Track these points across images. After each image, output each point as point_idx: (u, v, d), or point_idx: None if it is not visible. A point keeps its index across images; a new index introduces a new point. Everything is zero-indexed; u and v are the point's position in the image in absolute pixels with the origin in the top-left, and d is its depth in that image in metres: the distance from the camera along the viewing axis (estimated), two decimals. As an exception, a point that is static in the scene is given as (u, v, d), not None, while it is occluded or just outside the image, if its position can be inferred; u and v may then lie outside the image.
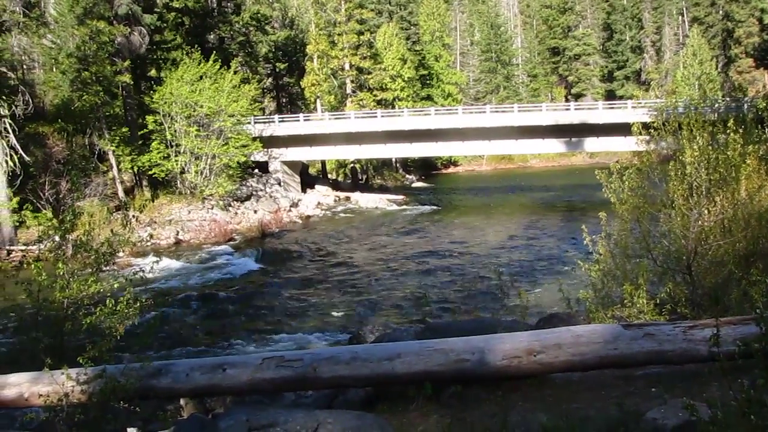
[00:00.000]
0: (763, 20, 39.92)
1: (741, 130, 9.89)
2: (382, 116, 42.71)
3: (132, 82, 34.48)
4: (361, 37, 50.24)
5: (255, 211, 35.81)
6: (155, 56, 37.48)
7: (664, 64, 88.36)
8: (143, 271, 10.22)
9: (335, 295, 19.70)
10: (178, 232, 30.32)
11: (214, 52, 38.54)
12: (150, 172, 34.16)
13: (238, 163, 35.73)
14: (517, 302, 9.36)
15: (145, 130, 34.18)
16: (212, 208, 33.45)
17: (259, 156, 40.39)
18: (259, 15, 46.02)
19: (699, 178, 9.50)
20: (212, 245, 28.76)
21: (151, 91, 34.82)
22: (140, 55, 34.67)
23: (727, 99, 42.06)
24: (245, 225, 33.34)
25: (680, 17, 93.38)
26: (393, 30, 60.42)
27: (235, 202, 35.93)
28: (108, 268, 8.55)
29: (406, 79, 58.72)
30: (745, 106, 34.56)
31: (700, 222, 9.36)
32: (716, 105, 35.72)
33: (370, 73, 51.03)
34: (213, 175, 34.43)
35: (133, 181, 36.09)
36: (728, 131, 9.83)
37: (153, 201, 33.43)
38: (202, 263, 25.35)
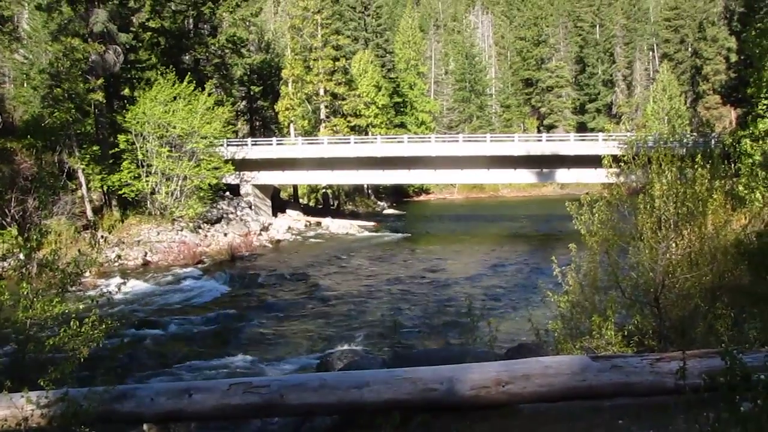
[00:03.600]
0: (729, 59, 41.04)
1: (708, 166, 10.05)
2: (356, 142, 42.79)
3: (105, 101, 34.24)
4: (337, 63, 50.48)
5: (225, 234, 35.57)
6: (129, 75, 37.31)
7: (634, 98, 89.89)
8: (110, 292, 10.09)
9: (304, 320, 19.57)
10: (146, 253, 29.99)
11: (189, 73, 38.44)
12: (120, 192, 33.85)
13: (209, 185, 35.51)
14: (486, 331, 9.34)
15: (117, 149, 33.90)
16: (182, 230, 33.17)
17: (231, 179, 40.20)
18: (235, 38, 46.02)
19: (667, 211, 9.63)
20: (181, 267, 28.46)
21: (124, 110, 34.59)
22: (114, 73, 34.46)
23: (696, 134, 42.80)
24: (215, 248, 33.07)
25: (651, 53, 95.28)
26: (368, 57, 60.76)
27: (205, 225, 35.67)
28: (74, 288, 8.40)
29: (380, 106, 58.96)
30: (713, 141, 35.23)
31: (667, 255, 9.46)
32: (685, 140, 36.43)
33: (344, 99, 51.23)
34: (184, 197, 34.19)
35: (103, 201, 35.70)
36: (696, 166, 9.98)
37: (122, 221, 33.07)
38: (170, 285, 25.07)
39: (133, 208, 34.45)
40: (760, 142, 25.37)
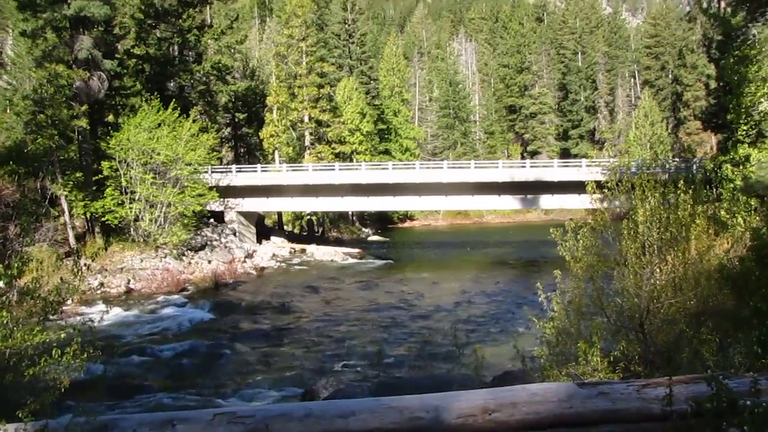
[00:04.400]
0: (709, 85, 41.65)
1: (690, 191, 10.12)
2: (340, 169, 42.85)
3: (89, 127, 34.09)
4: (321, 90, 50.67)
5: (209, 261, 35.37)
6: (114, 102, 37.26)
7: (617, 124, 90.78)
8: (92, 320, 9.95)
9: (289, 348, 19.42)
10: (129, 280, 29.74)
11: (174, 99, 38.45)
12: (103, 219, 33.60)
13: (193, 212, 35.35)
14: (472, 358, 9.30)
15: (100, 176, 33.75)
16: (165, 257, 32.96)
17: (215, 205, 40.07)
18: (220, 65, 46.13)
19: (651, 237, 9.67)
20: (164, 295, 28.23)
21: (108, 137, 34.41)
22: (98, 100, 34.37)
23: (678, 159, 43.21)
24: (198, 275, 32.84)
25: (632, 80, 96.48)
26: (353, 84, 61.07)
27: (189, 252, 35.46)
28: (55, 317, 8.29)
29: (364, 132, 59.17)
30: (694, 166, 35.58)
31: (652, 280, 9.49)
32: (667, 165, 36.78)
33: (329, 125, 51.37)
34: (167, 224, 33.99)
35: (85, 227, 35.43)
36: (678, 192, 10.05)
37: (105, 248, 32.79)
38: (153, 313, 24.84)
39: (117, 235, 34.20)
40: (741, 167, 25.68)
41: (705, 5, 36.59)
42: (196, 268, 33.94)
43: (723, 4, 34.38)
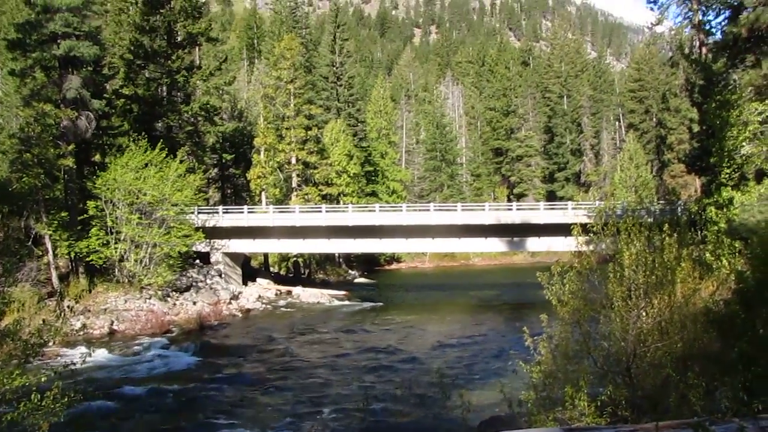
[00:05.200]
0: (692, 129, 42.29)
1: (675, 234, 10.17)
2: (327, 211, 42.82)
3: (75, 166, 34.04)
4: (309, 132, 50.88)
5: (194, 303, 35.10)
6: (101, 141, 37.30)
7: (602, 166, 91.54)
8: (73, 363, 9.79)
9: (274, 393, 19.21)
10: (113, 321, 29.44)
11: (162, 140, 38.51)
12: (88, 259, 33.36)
13: (179, 253, 35.15)
14: (459, 403, 9.21)
15: (85, 216, 33.59)
16: (150, 298, 32.69)
17: (201, 246, 39.89)
18: (208, 106, 46.30)
19: (637, 280, 9.69)
20: (148, 337, 27.95)
21: (95, 176, 34.36)
22: (86, 139, 34.39)
23: (662, 202, 43.50)
24: (183, 317, 32.55)
25: (617, 123, 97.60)
26: (340, 126, 61.37)
27: (174, 293, 35.19)
28: (36, 359, 8.17)
29: (351, 174, 59.30)
30: (679, 209, 35.83)
31: (638, 324, 9.49)
32: (652, 208, 37.01)
33: (316, 167, 51.48)
34: (153, 265, 33.76)
35: (69, 268, 35.15)
36: (664, 235, 10.10)
37: (89, 289, 32.51)
38: (136, 356, 24.56)
39: (101, 275, 33.94)
40: (725, 209, 25.87)
41: (687, 51, 37.21)
42: (181, 310, 33.67)
43: (704, 51, 35.00)
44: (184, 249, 35.66)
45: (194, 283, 37.93)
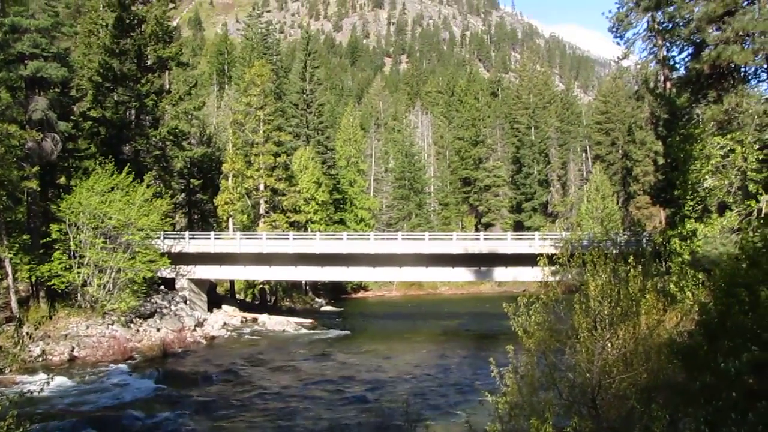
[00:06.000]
0: (657, 161, 43.06)
1: (640, 266, 10.27)
2: (294, 238, 42.70)
3: (39, 189, 33.55)
4: (278, 158, 50.79)
5: (158, 329, 34.57)
6: (67, 164, 36.84)
7: (569, 197, 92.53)
8: (30, 391, 9.53)
9: (236, 423, 18.92)
10: (73, 348, 28.84)
11: (129, 163, 38.21)
12: (49, 283, 32.74)
13: (144, 278, 34.67)
14: (425, 434, 9.15)
15: (48, 239, 32.99)
16: (113, 324, 32.12)
17: (167, 272, 39.43)
18: (177, 130, 46.07)
19: (602, 311, 9.75)
20: (110, 363, 27.42)
21: (59, 199, 33.85)
22: (51, 161, 33.91)
23: (628, 233, 44.03)
24: (147, 343, 32.02)
25: (584, 154, 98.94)
26: (309, 153, 61.42)
27: (137, 319, 34.65)
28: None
29: (320, 202, 59.29)
30: (644, 240, 36.29)
31: (603, 354, 9.53)
32: (618, 239, 37.45)
33: (284, 194, 51.34)
34: (116, 290, 33.25)
35: (30, 292, 34.47)
36: (629, 266, 10.19)
37: (50, 314, 31.85)
38: (97, 383, 24.06)
39: (63, 300, 33.30)
40: (688, 241, 26.24)
41: (652, 85, 37.94)
42: (145, 336, 33.13)
43: (669, 85, 35.73)
44: (149, 274, 35.20)
45: (158, 309, 37.41)
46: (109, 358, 28.35)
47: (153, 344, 31.76)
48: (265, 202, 51.34)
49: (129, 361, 28.31)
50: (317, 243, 42.02)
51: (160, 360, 29.41)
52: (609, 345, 9.74)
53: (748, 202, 24.83)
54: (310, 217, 56.90)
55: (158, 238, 38.32)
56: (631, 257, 10.73)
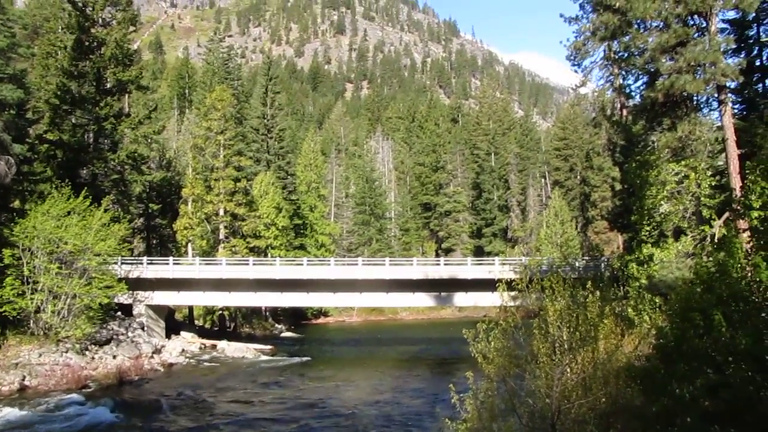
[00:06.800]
0: (614, 187, 43.93)
1: (599, 290, 10.36)
2: (254, 264, 42.39)
3: (-9, 213, 32.87)
4: (238, 183, 50.50)
5: (114, 357, 33.88)
6: (21, 187, 36.15)
7: (528, 222, 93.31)
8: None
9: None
10: (24, 377, 28.03)
11: (86, 187, 37.67)
12: (0, 310, 31.91)
13: (100, 304, 33.97)
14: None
15: (0, 264, 32.21)
16: (67, 352, 31.36)
17: (124, 298, 38.75)
18: (136, 154, 45.60)
19: (561, 336, 9.80)
20: (63, 393, 26.70)
21: (12, 224, 33.10)
22: (5, 184, 33.21)
23: (587, 258, 44.55)
24: (102, 371, 31.29)
25: (543, 180, 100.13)
26: (270, 178, 61.21)
27: (92, 346, 33.91)
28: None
29: (280, 227, 59.01)
30: (603, 265, 36.76)
31: (563, 380, 9.57)
32: (577, 264, 37.88)
33: (244, 219, 50.98)
34: (71, 316, 32.52)
35: (-21, 319, 33.55)
36: (587, 291, 10.28)
37: (0, 342, 30.98)
38: (49, 413, 23.39)
39: (14, 327, 32.40)
40: (645, 266, 26.64)
41: (609, 113, 38.72)
42: (100, 364, 32.40)
43: (625, 113, 36.48)
44: (106, 300, 34.48)
45: (115, 336, 36.70)
46: (62, 387, 27.63)
47: (109, 372, 31.05)
48: (225, 227, 50.93)
49: (83, 390, 27.62)
50: (277, 269, 41.76)
51: (116, 388, 28.78)
52: (568, 370, 9.79)
53: (702, 227, 25.35)
54: (270, 243, 56.56)
55: (115, 263, 37.66)
56: (590, 282, 10.83)
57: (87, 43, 44.36)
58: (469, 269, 40.96)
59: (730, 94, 27.88)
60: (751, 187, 12.53)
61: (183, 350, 40.40)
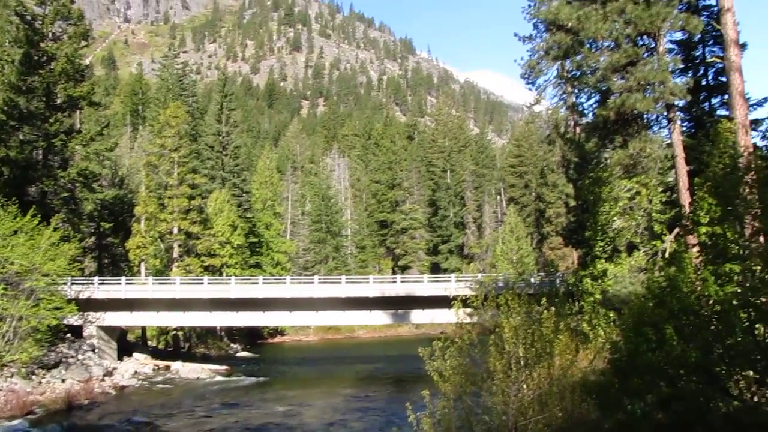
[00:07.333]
0: (568, 203, 44.49)
1: (554, 307, 10.37)
2: (209, 283, 41.88)
3: (-67, 234, 31.84)
4: (192, 201, 49.92)
5: (63, 381, 32.93)
6: (-36, 206, 35.15)
7: (484, 239, 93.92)
8: None
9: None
10: (-36, 404, 27.05)
11: (34, 206, 36.82)
12: (-59, 334, 30.89)
13: (48, 326, 33.05)
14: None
15: (-60, 287, 31.23)
16: (12, 377, 30.35)
17: (74, 319, 37.79)
18: (87, 172, 44.72)
19: (517, 353, 9.76)
20: (6, 420, 25.81)
21: (-45, 244, 32.17)
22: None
23: (542, 274, 44.94)
24: (49, 396, 30.32)
25: (498, 197, 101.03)
26: (225, 196, 60.65)
27: (39, 370, 32.88)
28: None
29: (235, 245, 58.42)
30: (558, 280, 37.09)
31: (519, 396, 9.52)
32: (532, 280, 38.17)
33: (198, 238, 50.36)
34: (17, 339, 31.54)
35: None
36: (542, 307, 10.28)
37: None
38: (-8, 440, 22.63)
39: (-44, 352, 31.39)
40: (599, 281, 26.92)
41: (562, 130, 39.23)
42: (47, 388, 31.43)
43: (578, 130, 37.00)
44: (55, 322, 33.53)
45: (64, 359, 35.71)
46: (6, 414, 26.67)
47: (57, 397, 30.12)
48: (179, 245, 50.23)
49: (29, 416, 26.72)
50: (232, 288, 41.29)
51: (64, 413, 27.93)
52: (524, 386, 9.76)
53: (654, 243, 25.73)
54: (225, 261, 55.95)
55: (65, 283, 36.75)
56: (545, 298, 10.84)
57: (36, 58, 43.55)
58: (426, 286, 40.98)
59: (678, 113, 28.45)
60: (699, 204, 12.73)
61: (136, 372, 39.57)
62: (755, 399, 9.93)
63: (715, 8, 25.56)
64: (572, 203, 41.83)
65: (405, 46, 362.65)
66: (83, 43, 47.35)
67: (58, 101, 45.07)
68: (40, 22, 44.18)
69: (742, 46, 25.34)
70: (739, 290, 10.25)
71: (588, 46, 29.06)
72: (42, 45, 44.08)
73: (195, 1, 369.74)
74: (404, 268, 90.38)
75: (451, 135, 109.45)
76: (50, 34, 45.16)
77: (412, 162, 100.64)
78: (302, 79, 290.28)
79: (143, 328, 50.87)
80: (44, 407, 28.56)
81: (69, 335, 38.80)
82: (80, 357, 37.08)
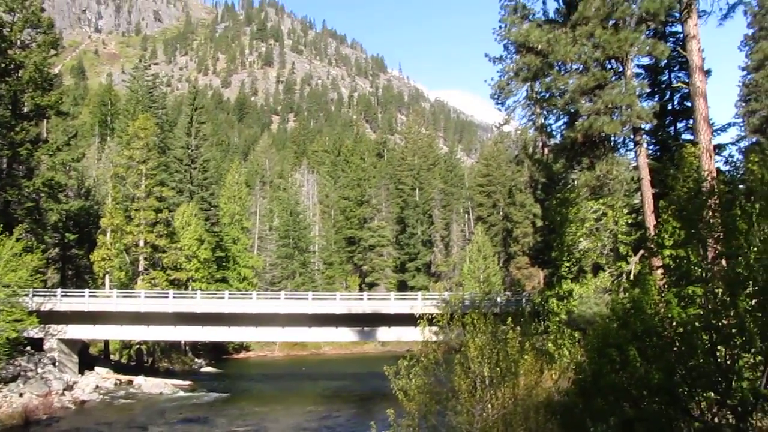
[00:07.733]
0: (536, 223, 45.01)
1: (519, 326, 10.42)
2: (174, 297, 41.43)
3: None
4: (159, 214, 49.47)
5: (21, 395, 32.29)
6: (-76, 216, 34.48)
7: (452, 257, 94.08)
8: None
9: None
10: None
11: (-4, 216, 36.21)
12: None
13: (7, 339, 32.39)
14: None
15: None
16: (-33, 390, 29.75)
17: (35, 332, 37.05)
18: (52, 182, 44.11)
19: (482, 372, 9.79)
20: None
21: None
22: None
23: (508, 293, 45.17)
24: (6, 411, 29.70)
25: (466, 215, 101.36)
26: (192, 210, 60.12)
27: (-3, 384, 32.27)
28: None
29: (202, 260, 57.89)
30: (524, 300, 37.31)
31: (484, 415, 9.54)
32: (498, 299, 38.34)
33: (165, 251, 49.88)
34: (-25, 352, 30.93)
35: None
36: (508, 327, 10.34)
37: None
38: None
39: None
40: (565, 301, 27.14)
41: (531, 151, 39.60)
42: (4, 403, 30.80)
43: (546, 151, 37.37)
44: (14, 335, 32.89)
45: (22, 373, 35.03)
46: (-41, 429, 26.17)
47: (14, 412, 29.52)
48: (145, 258, 49.71)
49: (-15, 431, 26.24)
50: (198, 302, 40.91)
51: (20, 429, 27.44)
52: (489, 406, 9.79)
53: (619, 264, 26.02)
54: (191, 275, 55.43)
55: (26, 295, 36.13)
56: (511, 317, 10.90)
57: (4, 65, 43.01)
58: (392, 304, 40.97)
59: (645, 136, 28.85)
60: (663, 226, 12.92)
61: (97, 386, 38.93)
62: (716, 420, 10.07)
63: (681, 35, 26.01)
64: (539, 223, 42.16)
65: (376, 63, 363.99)
66: (52, 51, 46.92)
67: (25, 110, 44.51)
68: (9, 30, 43.67)
69: (707, 73, 25.82)
70: (701, 312, 10.40)
71: (557, 68, 29.39)
72: (10, 52, 43.56)
73: (167, 13, 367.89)
74: (371, 286, 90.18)
75: (420, 153, 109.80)
76: (19, 42, 44.65)
77: (381, 179, 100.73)
78: (273, 94, 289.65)
79: (106, 342, 50.10)
80: (0, 422, 27.97)
81: (29, 348, 38.08)
82: (40, 370, 36.41)
